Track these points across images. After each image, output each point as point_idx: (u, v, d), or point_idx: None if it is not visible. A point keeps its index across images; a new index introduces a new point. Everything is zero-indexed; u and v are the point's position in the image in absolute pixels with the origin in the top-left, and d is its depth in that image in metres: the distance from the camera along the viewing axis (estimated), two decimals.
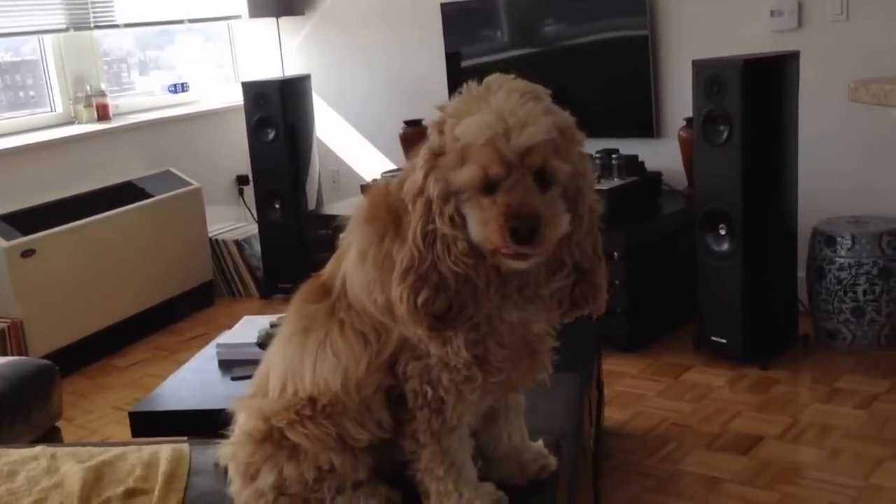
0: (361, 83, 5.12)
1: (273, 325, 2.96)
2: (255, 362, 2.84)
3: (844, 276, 3.47)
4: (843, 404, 3.12)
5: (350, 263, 1.38)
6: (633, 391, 3.37)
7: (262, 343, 2.92)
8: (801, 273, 3.64)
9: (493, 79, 1.30)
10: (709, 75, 3.32)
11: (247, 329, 3.05)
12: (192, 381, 2.82)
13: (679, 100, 4.05)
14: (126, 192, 4.45)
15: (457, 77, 4.55)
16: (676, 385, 3.39)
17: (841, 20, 3.67)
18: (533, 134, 1.21)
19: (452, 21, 4.61)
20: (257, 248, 4.88)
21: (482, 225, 1.23)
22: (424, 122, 4.66)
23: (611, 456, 2.89)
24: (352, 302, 1.38)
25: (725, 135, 3.31)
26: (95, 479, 1.62)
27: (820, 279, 3.54)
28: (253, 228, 5.01)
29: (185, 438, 2.49)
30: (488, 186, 1.22)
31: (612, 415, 3.16)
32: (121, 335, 4.26)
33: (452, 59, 4.63)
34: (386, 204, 1.33)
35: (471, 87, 1.30)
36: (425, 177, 1.26)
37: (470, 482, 1.41)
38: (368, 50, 5.04)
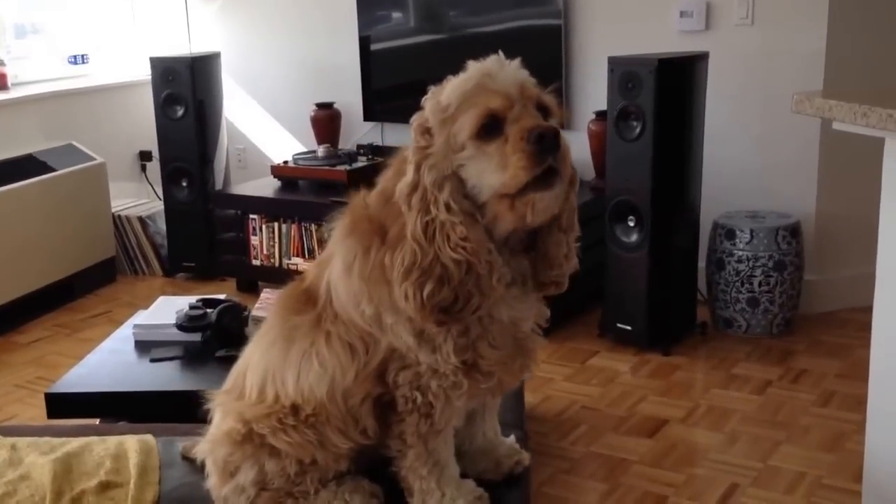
0: (272, 63, 5.06)
1: (192, 307, 2.91)
2: (173, 344, 2.83)
3: (742, 268, 3.65)
4: (740, 390, 3.29)
5: (335, 276, 1.38)
6: (542, 375, 3.46)
7: (181, 325, 2.87)
8: (702, 264, 3.81)
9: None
10: (623, 72, 3.43)
11: (164, 309, 2.99)
12: (108, 362, 2.76)
13: (589, 93, 4.16)
14: (27, 166, 4.30)
15: (367, 60, 4.57)
16: (583, 370, 3.52)
17: (746, 24, 3.84)
18: (519, 69, 1.28)
19: (366, 4, 4.60)
20: (161, 225, 4.79)
21: (500, 169, 1.25)
22: (336, 105, 4.70)
23: (526, 438, 2.98)
24: (338, 313, 1.38)
25: (638, 130, 3.43)
26: (65, 471, 1.58)
27: (719, 270, 3.72)
28: (157, 205, 4.90)
29: (121, 423, 2.46)
30: (492, 127, 1.25)
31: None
32: (20, 311, 4.13)
33: (365, 43, 4.63)
34: (366, 217, 1.34)
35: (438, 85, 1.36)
36: (417, 169, 1.27)
37: (452, 481, 1.44)
38: (280, 30, 4.98)
